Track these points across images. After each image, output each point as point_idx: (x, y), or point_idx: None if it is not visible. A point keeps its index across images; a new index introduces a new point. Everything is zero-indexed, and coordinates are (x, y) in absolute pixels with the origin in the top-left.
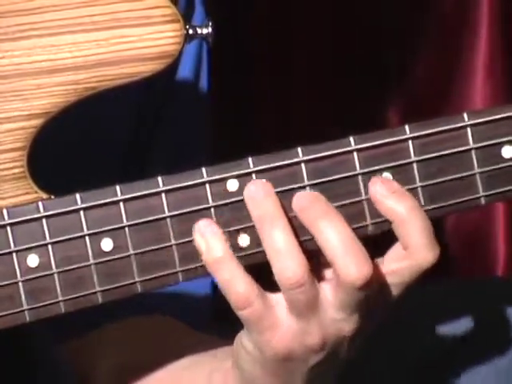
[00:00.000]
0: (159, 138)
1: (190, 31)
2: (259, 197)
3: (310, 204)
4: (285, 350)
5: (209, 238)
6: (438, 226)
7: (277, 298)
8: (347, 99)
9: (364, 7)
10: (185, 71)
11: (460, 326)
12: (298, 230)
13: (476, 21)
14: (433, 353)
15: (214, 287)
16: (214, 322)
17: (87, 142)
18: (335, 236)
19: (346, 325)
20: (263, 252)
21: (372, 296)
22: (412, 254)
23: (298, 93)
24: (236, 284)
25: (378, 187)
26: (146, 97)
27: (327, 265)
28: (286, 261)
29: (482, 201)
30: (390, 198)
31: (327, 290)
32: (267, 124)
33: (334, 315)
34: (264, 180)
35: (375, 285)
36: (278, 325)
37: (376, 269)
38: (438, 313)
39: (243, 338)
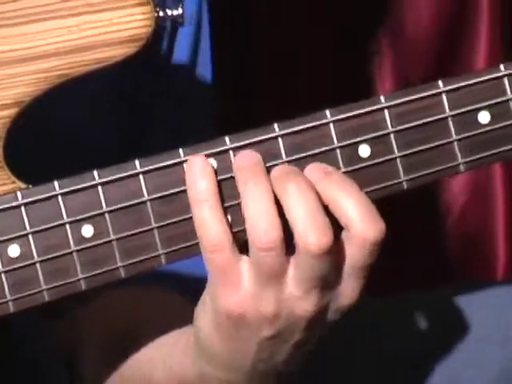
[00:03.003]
0: (154, 129)
1: (161, 13)
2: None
3: (283, 167)
4: (239, 311)
5: (196, 173)
6: (438, 226)
7: (245, 258)
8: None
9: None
10: (182, 55)
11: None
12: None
13: (476, 21)
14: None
15: None
16: None
17: (72, 133)
18: (300, 201)
19: (302, 303)
20: (244, 231)
21: (330, 274)
22: (353, 230)
23: (300, 91)
24: (214, 225)
25: (310, 173)
26: (134, 82)
27: None
28: (263, 222)
29: (461, 168)
30: (323, 181)
31: (291, 264)
32: (268, 113)
33: (293, 290)
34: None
35: (333, 260)
36: (240, 283)
37: (337, 244)
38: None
39: (204, 294)
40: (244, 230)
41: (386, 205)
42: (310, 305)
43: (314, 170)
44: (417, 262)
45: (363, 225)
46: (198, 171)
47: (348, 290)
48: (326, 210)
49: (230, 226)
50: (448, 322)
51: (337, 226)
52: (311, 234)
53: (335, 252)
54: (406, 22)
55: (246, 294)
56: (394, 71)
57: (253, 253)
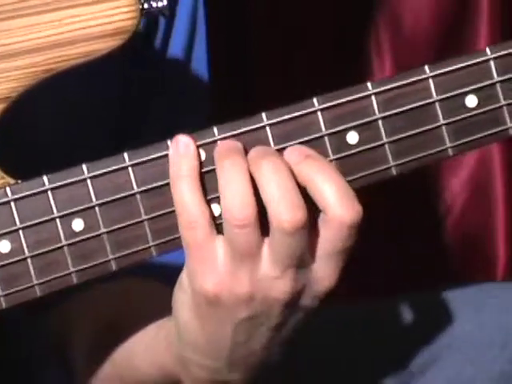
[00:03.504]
0: (149, 125)
1: (145, 5)
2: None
3: (260, 148)
4: (214, 291)
5: (179, 151)
6: (438, 227)
7: (221, 237)
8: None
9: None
10: (177, 50)
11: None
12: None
13: (476, 21)
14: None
15: None
16: None
17: (64, 129)
18: (273, 179)
19: (278, 284)
20: None
21: (305, 253)
22: (330, 213)
23: (298, 88)
24: (192, 202)
25: (290, 155)
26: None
27: None
28: (238, 200)
29: (450, 152)
30: (302, 164)
31: (266, 244)
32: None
33: (268, 271)
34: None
35: (307, 239)
36: (215, 262)
37: (312, 225)
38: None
39: (181, 276)
40: None
41: (386, 204)
42: (286, 286)
43: (293, 152)
44: (417, 261)
45: (340, 207)
46: (181, 149)
47: (326, 274)
48: (304, 193)
49: (209, 205)
50: (448, 322)
51: (314, 209)
52: (284, 212)
53: (310, 232)
54: (407, 21)
55: (221, 274)
56: (394, 71)
57: (227, 231)
